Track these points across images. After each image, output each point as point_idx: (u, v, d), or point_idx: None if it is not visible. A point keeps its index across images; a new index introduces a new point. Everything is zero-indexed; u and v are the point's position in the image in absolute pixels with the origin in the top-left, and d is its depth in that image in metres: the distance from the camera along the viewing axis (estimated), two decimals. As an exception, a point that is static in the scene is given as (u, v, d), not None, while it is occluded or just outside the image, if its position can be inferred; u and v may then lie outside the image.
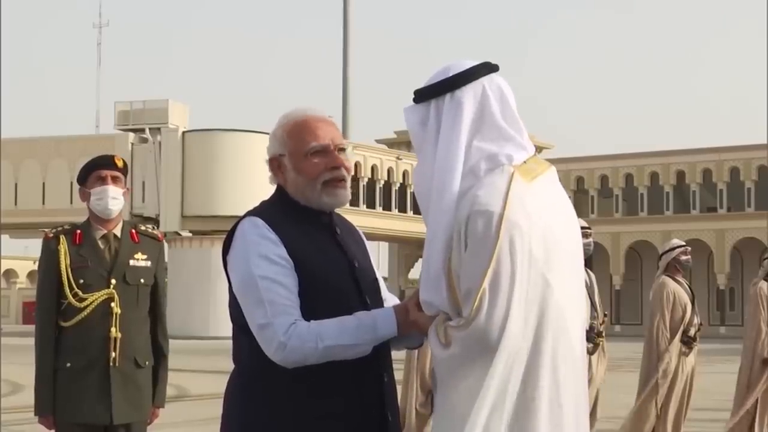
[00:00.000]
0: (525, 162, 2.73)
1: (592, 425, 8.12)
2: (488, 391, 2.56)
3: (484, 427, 2.55)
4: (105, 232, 4.96)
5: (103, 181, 4.93)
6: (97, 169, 4.96)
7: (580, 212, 49.61)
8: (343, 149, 2.97)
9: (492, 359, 2.56)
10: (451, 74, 2.76)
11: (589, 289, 8.10)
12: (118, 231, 4.98)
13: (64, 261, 4.85)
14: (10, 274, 79.04)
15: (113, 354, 4.82)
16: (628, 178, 54.25)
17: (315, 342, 2.73)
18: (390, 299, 3.06)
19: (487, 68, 2.79)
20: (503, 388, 2.57)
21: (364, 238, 3.15)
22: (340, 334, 2.75)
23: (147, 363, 4.98)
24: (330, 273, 2.88)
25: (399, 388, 5.07)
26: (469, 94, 2.74)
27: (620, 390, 10.92)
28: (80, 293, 4.83)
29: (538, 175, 2.73)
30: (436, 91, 2.77)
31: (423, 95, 2.79)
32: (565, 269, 2.71)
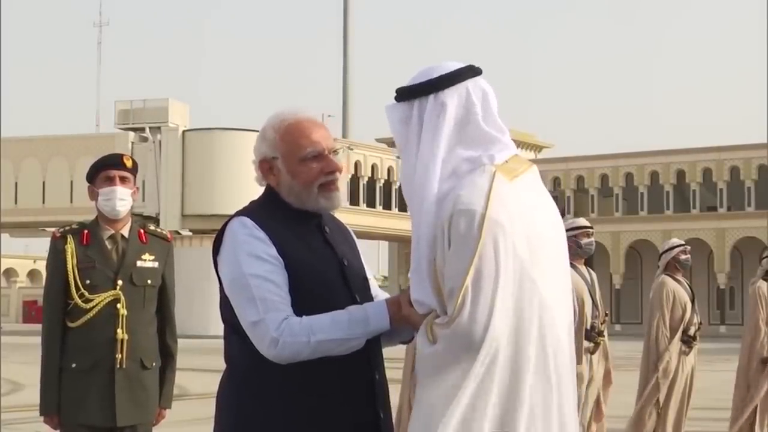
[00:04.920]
0: (506, 161, 2.74)
1: (599, 425, 8.13)
2: (468, 389, 2.56)
3: (461, 425, 2.55)
4: (113, 232, 4.94)
5: (111, 181, 4.90)
6: (105, 169, 4.93)
7: (581, 211, 49.16)
8: (336, 152, 2.98)
9: (475, 357, 2.56)
10: (435, 75, 2.77)
11: (591, 288, 8.09)
12: (126, 231, 4.96)
13: (71, 261, 4.83)
14: (10, 273, 78.96)
15: (119, 355, 4.80)
16: (629, 177, 54.21)
17: (307, 337, 2.74)
18: (380, 296, 3.06)
19: (471, 71, 2.80)
20: (485, 386, 2.57)
21: (354, 237, 3.16)
22: (332, 329, 2.77)
23: (153, 364, 4.96)
24: (319, 271, 2.89)
25: (399, 387, 5.08)
26: (453, 96, 2.75)
27: (620, 389, 10.88)
28: (86, 294, 4.81)
29: (520, 174, 2.74)
30: (419, 91, 2.77)
31: (406, 94, 2.79)
32: (550, 267, 2.71)
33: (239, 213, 2.93)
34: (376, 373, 2.96)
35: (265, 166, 2.98)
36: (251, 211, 2.94)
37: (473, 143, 2.74)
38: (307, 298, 2.83)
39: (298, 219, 2.95)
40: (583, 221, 8.17)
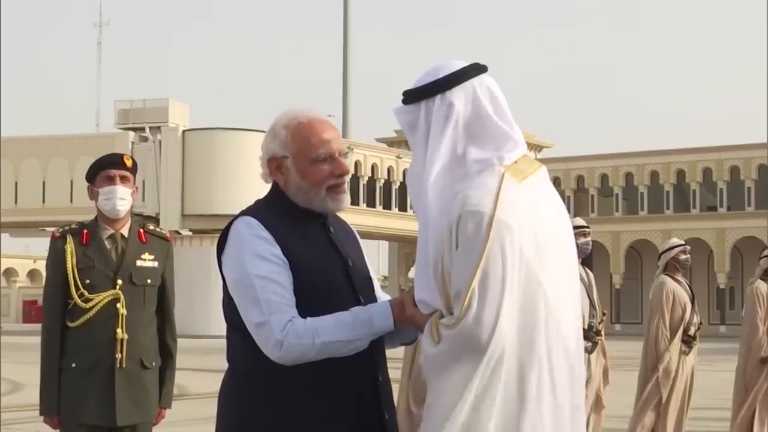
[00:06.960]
0: (516, 162, 2.73)
1: (598, 424, 8.14)
2: (473, 390, 2.56)
3: (465, 427, 2.55)
4: (112, 231, 4.94)
5: (111, 180, 4.90)
6: (105, 169, 4.93)
7: (580, 211, 49.04)
8: (346, 155, 2.99)
9: (480, 359, 2.55)
10: (441, 75, 2.76)
11: (588, 288, 8.11)
12: (125, 231, 4.96)
13: (71, 261, 4.83)
14: (10, 272, 78.88)
15: (119, 355, 4.80)
16: (629, 177, 54.20)
17: (311, 338, 2.74)
18: (383, 297, 3.06)
19: (476, 69, 2.79)
20: (490, 388, 2.56)
21: (358, 237, 3.16)
22: (337, 330, 2.76)
23: (153, 364, 4.96)
24: (324, 272, 2.89)
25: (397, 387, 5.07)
26: (459, 95, 2.74)
27: (620, 389, 10.92)
28: (86, 294, 4.81)
29: (529, 175, 2.74)
30: (426, 93, 2.76)
31: (413, 96, 2.79)
32: (557, 269, 2.70)
33: (244, 212, 2.92)
34: (380, 374, 2.95)
35: (273, 165, 2.97)
36: (256, 210, 2.93)
37: (484, 141, 2.73)
38: (311, 298, 2.83)
39: (304, 219, 2.95)
40: (579, 221, 8.19)
